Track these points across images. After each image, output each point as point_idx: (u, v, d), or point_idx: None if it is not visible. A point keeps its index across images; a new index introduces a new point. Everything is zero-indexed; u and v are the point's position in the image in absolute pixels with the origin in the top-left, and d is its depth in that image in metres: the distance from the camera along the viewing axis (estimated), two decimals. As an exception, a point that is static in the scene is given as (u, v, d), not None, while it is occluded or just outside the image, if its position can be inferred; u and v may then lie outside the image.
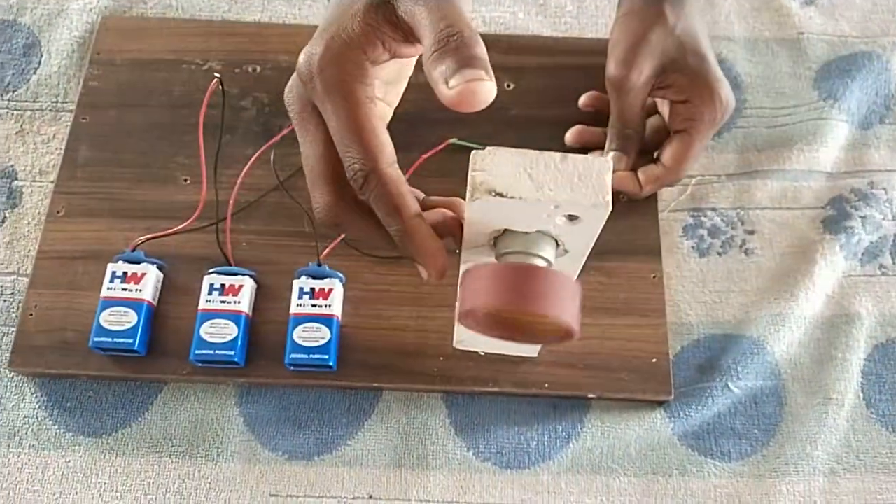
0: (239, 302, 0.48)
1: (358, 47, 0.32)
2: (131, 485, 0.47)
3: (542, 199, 0.29)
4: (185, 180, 0.54)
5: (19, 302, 0.51)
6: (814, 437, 0.49)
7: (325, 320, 0.48)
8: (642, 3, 0.50)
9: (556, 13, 0.63)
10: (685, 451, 0.49)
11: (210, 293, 0.49)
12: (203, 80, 0.57)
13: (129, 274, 0.49)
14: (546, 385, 0.49)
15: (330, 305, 0.48)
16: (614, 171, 0.51)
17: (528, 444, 0.49)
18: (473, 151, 0.31)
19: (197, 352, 0.47)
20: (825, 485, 0.48)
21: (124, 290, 0.49)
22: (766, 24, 0.62)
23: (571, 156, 0.30)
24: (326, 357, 0.47)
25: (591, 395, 0.49)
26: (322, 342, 0.47)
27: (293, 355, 0.47)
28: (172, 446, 0.48)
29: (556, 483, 0.48)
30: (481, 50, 0.30)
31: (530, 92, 0.58)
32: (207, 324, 0.48)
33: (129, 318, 0.48)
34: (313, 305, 0.48)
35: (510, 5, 0.63)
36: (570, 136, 0.54)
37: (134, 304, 0.48)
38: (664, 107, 0.53)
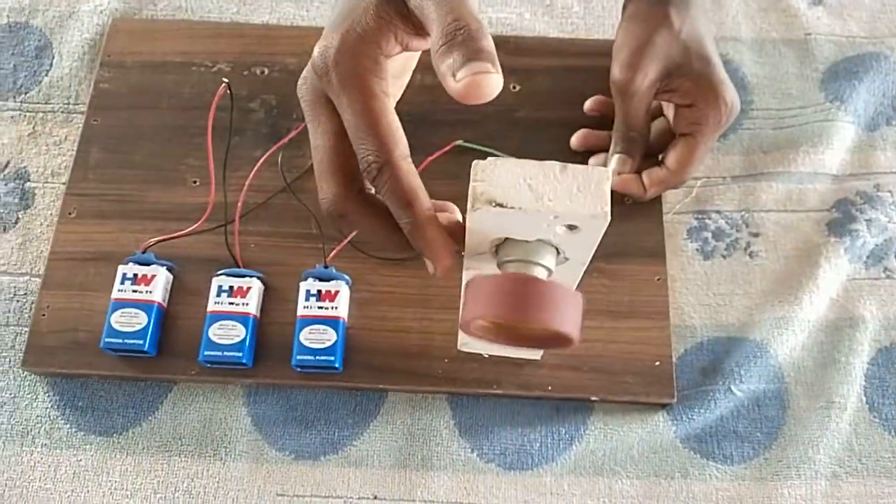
0: (247, 304, 0.49)
1: (373, 41, 0.32)
2: (141, 483, 0.48)
3: (541, 209, 0.30)
4: (195, 182, 0.55)
5: (32, 302, 0.52)
6: (816, 441, 0.49)
7: (332, 322, 0.49)
8: (647, 7, 0.50)
9: (562, 14, 0.63)
10: (687, 453, 0.49)
11: (218, 295, 0.49)
12: (212, 83, 0.57)
13: (139, 276, 0.50)
14: (549, 387, 0.49)
15: (336, 307, 0.49)
16: (619, 174, 0.51)
17: (531, 446, 0.49)
18: (474, 162, 0.31)
19: (205, 353, 0.48)
20: (827, 488, 0.48)
21: (135, 291, 0.49)
22: (773, 25, 0.62)
23: (571, 166, 0.31)
24: (332, 359, 0.48)
25: (593, 398, 0.49)
26: (328, 344, 0.48)
27: (300, 357, 0.48)
28: (182, 445, 0.49)
29: (559, 484, 0.48)
30: (488, 42, 0.30)
31: (536, 93, 0.58)
32: (216, 325, 0.49)
33: (140, 320, 0.49)
34: (320, 307, 0.49)
35: (517, 6, 0.63)
36: (575, 140, 0.55)
37: (144, 306, 0.49)
38: (669, 109, 0.53)
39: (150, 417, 0.50)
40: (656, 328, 0.51)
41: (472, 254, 0.34)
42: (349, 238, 0.51)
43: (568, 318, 0.30)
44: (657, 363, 0.50)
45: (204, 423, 0.50)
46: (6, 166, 0.57)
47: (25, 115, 0.59)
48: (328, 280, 0.50)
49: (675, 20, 0.48)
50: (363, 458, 0.49)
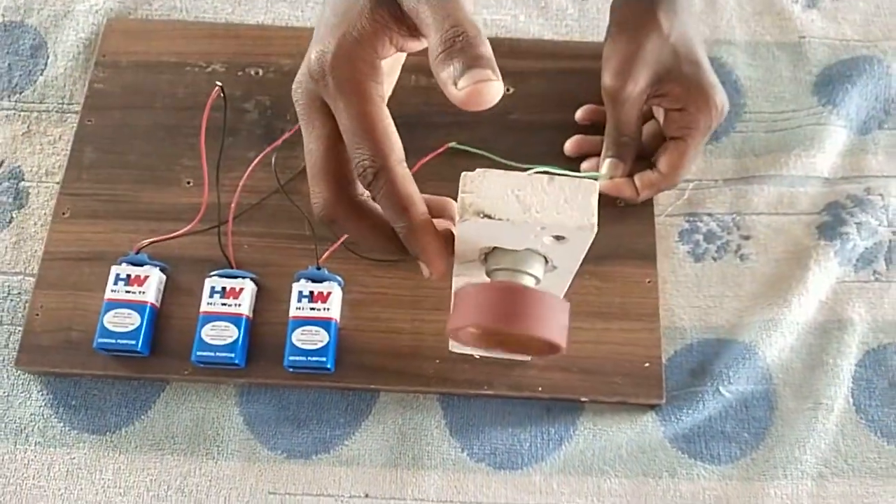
0: (239, 305, 0.50)
1: (369, 45, 0.32)
2: (134, 481, 0.49)
3: (528, 220, 0.30)
4: (189, 183, 0.55)
5: (26, 302, 0.53)
6: (803, 442, 0.50)
7: (324, 323, 0.49)
8: (636, 11, 0.50)
9: (557, 16, 0.63)
10: (675, 453, 0.50)
11: (211, 296, 0.50)
12: (206, 83, 0.58)
13: (132, 276, 0.50)
14: (540, 388, 0.49)
15: (328, 309, 0.49)
16: (611, 178, 0.52)
17: (521, 446, 0.50)
18: (463, 173, 0.31)
19: (198, 353, 0.48)
20: (813, 488, 0.49)
21: (128, 292, 0.50)
22: (767, 28, 0.62)
23: (558, 178, 0.31)
24: (324, 360, 0.48)
25: (583, 399, 0.50)
26: (320, 345, 0.48)
27: (292, 357, 0.48)
28: (174, 444, 0.50)
29: (549, 483, 0.49)
30: (487, 48, 0.30)
31: (531, 96, 0.58)
32: (208, 326, 0.49)
33: (133, 320, 0.49)
34: (312, 309, 0.49)
35: (511, 8, 0.63)
36: (569, 145, 0.55)
37: (137, 306, 0.49)
38: (660, 113, 0.53)
39: (142, 416, 0.50)
40: (646, 330, 0.51)
41: (462, 261, 0.35)
42: (342, 240, 0.51)
43: (555, 326, 0.30)
44: (647, 364, 0.50)
45: (196, 423, 0.50)
46: (0, 165, 0.57)
47: (20, 115, 0.59)
48: (321, 281, 0.50)
49: (664, 24, 0.49)
50: (355, 457, 0.49)
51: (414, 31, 0.33)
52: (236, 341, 0.49)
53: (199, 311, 0.49)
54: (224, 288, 0.50)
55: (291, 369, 0.49)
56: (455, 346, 0.49)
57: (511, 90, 0.58)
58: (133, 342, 0.49)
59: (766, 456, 0.49)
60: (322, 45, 0.32)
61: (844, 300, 0.53)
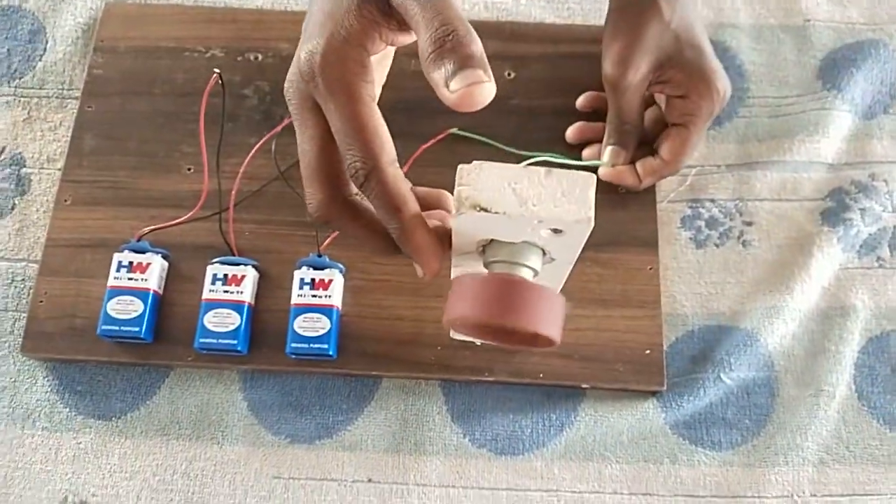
0: (241, 292, 0.50)
1: (359, 43, 0.32)
2: (140, 466, 0.49)
3: (525, 214, 0.30)
4: (189, 169, 0.55)
5: (30, 288, 0.53)
6: (804, 428, 0.50)
7: (326, 310, 0.49)
8: None
9: (559, -1, 0.62)
10: (676, 439, 0.50)
11: (213, 283, 0.50)
12: (205, 69, 0.57)
13: (134, 263, 0.50)
14: (541, 375, 0.50)
15: (330, 296, 0.49)
16: (613, 166, 0.51)
17: (522, 432, 0.50)
18: (459, 166, 0.31)
19: (201, 340, 0.49)
20: (814, 475, 0.49)
21: (130, 279, 0.50)
22: (771, 11, 0.61)
23: (556, 171, 0.31)
24: (326, 347, 0.48)
25: (584, 386, 0.50)
26: (322, 332, 0.49)
27: (294, 345, 0.48)
28: (179, 429, 0.50)
29: (549, 469, 0.49)
30: (478, 47, 0.30)
31: (532, 81, 0.58)
32: (211, 313, 0.49)
33: (136, 307, 0.49)
34: (314, 296, 0.49)
35: (513, -10, 0.63)
36: (570, 133, 0.54)
37: (140, 294, 0.50)
38: (661, 98, 0.53)
39: (147, 402, 0.51)
40: (647, 317, 0.51)
41: (459, 253, 0.35)
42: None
43: (549, 320, 0.30)
44: (648, 351, 0.50)
45: (201, 408, 0.51)
46: (2, 152, 0.57)
47: (20, 101, 0.59)
48: (322, 268, 0.50)
49: (665, 9, 0.48)
50: (357, 442, 0.50)
51: (403, 26, 0.32)
52: (238, 328, 0.49)
53: (201, 298, 0.50)
54: (226, 275, 0.50)
55: (293, 356, 0.49)
56: (455, 334, 0.50)
57: (512, 75, 0.58)
58: (136, 329, 0.49)
59: (767, 442, 0.50)
60: (311, 44, 0.32)
61: (847, 287, 0.53)
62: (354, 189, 0.34)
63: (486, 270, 0.34)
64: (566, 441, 0.50)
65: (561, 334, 0.32)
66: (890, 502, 0.48)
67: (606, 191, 0.53)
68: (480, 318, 0.30)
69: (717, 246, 0.55)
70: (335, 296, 0.50)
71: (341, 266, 0.51)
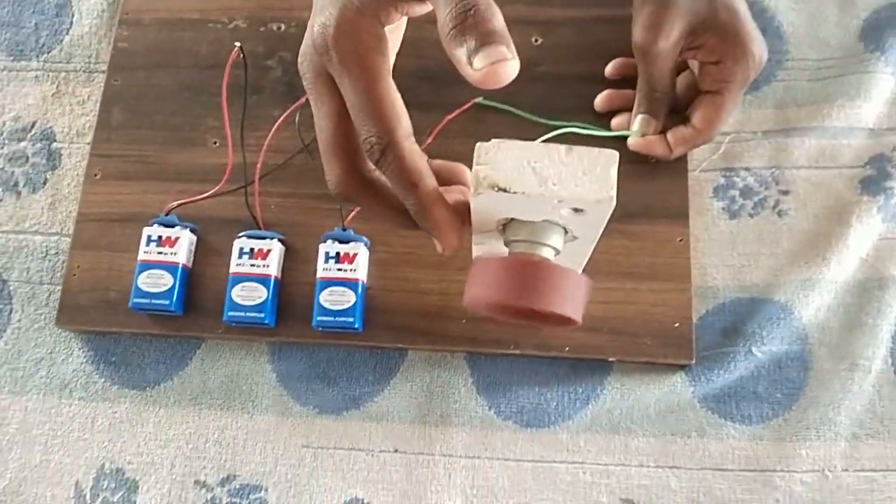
0: (267, 265, 0.50)
1: (373, 14, 0.31)
2: (174, 434, 0.51)
3: (545, 194, 0.29)
4: (215, 143, 0.55)
5: (63, 261, 0.54)
6: (837, 403, 0.49)
7: (351, 284, 0.49)
8: None
9: (589, -41, 0.60)
10: (705, 413, 0.49)
11: (240, 257, 0.50)
12: (229, 40, 0.57)
13: (163, 238, 0.51)
14: (567, 348, 0.49)
15: (355, 269, 0.49)
16: (643, 135, 0.50)
17: (547, 405, 0.50)
18: (478, 144, 0.30)
19: (229, 313, 0.49)
20: (846, 449, 0.48)
21: (160, 253, 0.51)
22: (813, -32, 0.58)
23: (577, 148, 0.30)
24: (352, 320, 0.49)
25: (611, 359, 0.50)
26: (347, 305, 0.49)
27: (319, 318, 0.49)
28: (211, 399, 0.51)
29: (575, 442, 0.49)
30: (500, 21, 0.29)
31: (559, 46, 0.56)
32: (238, 287, 0.50)
33: (166, 281, 0.50)
34: (339, 269, 0.49)
35: (541, -49, 0.60)
36: (599, 101, 0.53)
37: (169, 267, 0.50)
38: (695, 64, 0.51)
39: (180, 372, 0.52)
40: (677, 290, 0.50)
41: (479, 231, 0.34)
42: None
43: (570, 301, 0.30)
44: (676, 325, 0.49)
45: (231, 378, 0.52)
46: (32, 127, 0.58)
47: (49, 75, 0.59)
48: (347, 242, 0.50)
49: None
50: (384, 413, 0.50)
51: None
52: (265, 301, 0.49)
53: (228, 272, 0.50)
54: (252, 249, 0.50)
55: (320, 329, 0.50)
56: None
57: (539, 41, 0.56)
58: (167, 302, 0.50)
59: (798, 417, 0.49)
60: (324, 16, 0.31)
61: (886, 258, 0.51)
62: (373, 165, 0.33)
63: (506, 249, 0.34)
64: (592, 414, 0.50)
65: (582, 314, 0.31)
66: (925, 478, 0.47)
67: (636, 161, 0.52)
68: (500, 299, 0.30)
69: (751, 216, 0.53)
70: (360, 269, 0.50)
71: (366, 240, 0.51)
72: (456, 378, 0.51)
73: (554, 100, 0.55)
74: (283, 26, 0.57)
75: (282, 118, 0.54)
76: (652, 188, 0.52)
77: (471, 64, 0.28)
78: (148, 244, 0.51)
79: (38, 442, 0.51)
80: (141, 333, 0.52)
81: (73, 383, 0.52)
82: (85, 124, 0.58)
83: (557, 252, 0.33)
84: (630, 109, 0.51)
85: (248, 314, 0.49)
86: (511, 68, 0.28)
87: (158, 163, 0.55)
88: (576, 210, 0.31)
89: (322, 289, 0.49)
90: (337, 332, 0.50)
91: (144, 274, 0.50)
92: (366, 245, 0.51)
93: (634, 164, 0.52)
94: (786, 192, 0.53)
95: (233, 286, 0.50)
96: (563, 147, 0.30)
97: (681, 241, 0.51)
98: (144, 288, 0.50)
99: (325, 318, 0.49)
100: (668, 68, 0.48)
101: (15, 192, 0.56)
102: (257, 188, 0.53)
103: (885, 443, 0.48)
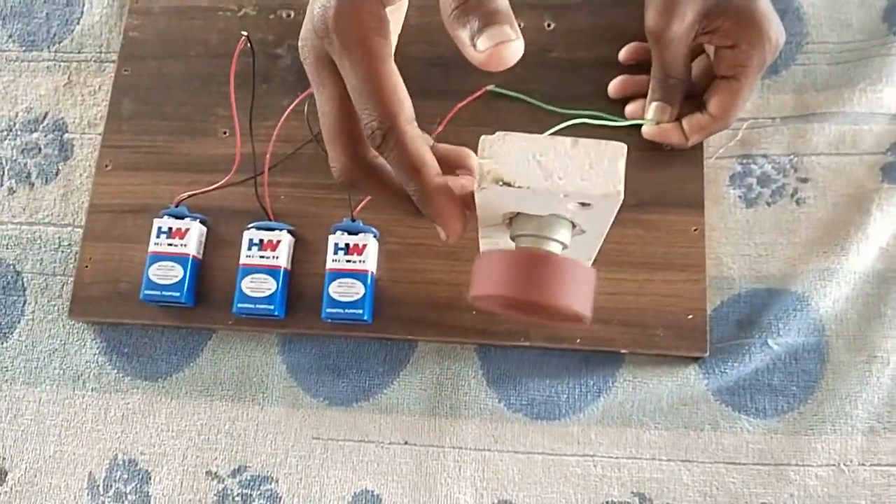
0: (277, 257, 0.50)
1: None
2: (186, 425, 0.51)
3: (551, 188, 0.29)
4: (225, 133, 0.55)
5: (76, 253, 0.54)
6: (855, 396, 0.48)
7: (360, 276, 0.49)
8: None
9: (603, -59, 0.59)
10: (719, 406, 0.49)
11: (249, 248, 0.50)
12: (238, 28, 0.56)
13: (173, 229, 0.51)
14: (578, 340, 0.49)
15: (364, 261, 0.49)
16: (658, 123, 0.49)
17: (558, 397, 0.49)
18: (482, 137, 0.30)
19: (239, 305, 0.49)
20: (863, 443, 0.47)
21: (170, 244, 0.51)
22: (836, -53, 0.56)
23: (583, 141, 0.29)
24: (361, 312, 0.48)
25: (623, 351, 0.49)
26: (357, 297, 0.49)
27: (329, 310, 0.49)
28: (222, 390, 0.51)
29: (586, 434, 0.49)
30: (503, 0, 0.28)
31: (572, 31, 0.55)
32: (248, 278, 0.50)
33: (176, 273, 0.50)
34: (348, 261, 0.49)
35: (554, -67, 0.59)
36: (612, 87, 0.52)
37: (180, 259, 0.50)
38: (710, 48, 0.50)
39: (191, 363, 0.52)
40: (691, 281, 0.49)
41: (486, 225, 0.34)
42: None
43: (577, 296, 0.29)
44: (690, 316, 0.49)
45: (242, 370, 0.52)
46: (45, 118, 0.58)
47: (60, 66, 0.59)
48: (356, 233, 0.50)
49: None
50: (394, 405, 0.50)
51: None
52: (275, 293, 0.49)
53: (238, 263, 0.50)
54: (261, 240, 0.50)
55: (329, 321, 0.49)
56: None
57: (552, 25, 0.55)
58: (177, 294, 0.50)
59: (814, 410, 0.48)
60: None
61: (908, 247, 0.50)
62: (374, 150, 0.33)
63: (513, 243, 0.33)
64: (603, 406, 0.49)
65: (591, 309, 0.31)
66: (945, 473, 0.46)
67: (650, 149, 0.51)
68: (506, 294, 0.29)
69: (768, 204, 0.52)
70: (369, 261, 0.49)
71: (375, 231, 0.50)
72: (466, 370, 0.50)
73: (567, 86, 0.54)
74: (292, 13, 0.57)
75: (291, 107, 0.53)
76: (666, 176, 0.51)
77: (474, 45, 0.28)
78: (158, 236, 0.51)
79: (51, 433, 0.51)
80: (152, 325, 0.52)
81: (87, 374, 0.52)
82: (96, 114, 0.58)
83: (565, 246, 0.32)
84: (645, 96, 0.50)
85: (257, 306, 0.49)
86: (516, 49, 0.28)
87: (169, 153, 0.55)
88: (582, 204, 0.30)
89: (331, 280, 0.49)
90: (346, 324, 0.50)
91: (155, 266, 0.50)
92: (375, 236, 0.50)
93: (649, 152, 0.51)
94: (804, 180, 0.52)
95: (242, 278, 0.50)
96: (568, 140, 0.29)
97: (695, 230, 0.50)
98: (155, 280, 0.50)
99: (334, 310, 0.49)
100: (683, 53, 0.47)
101: (28, 183, 0.57)
102: (266, 179, 0.52)
103: (904, 437, 0.47)
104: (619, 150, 0.29)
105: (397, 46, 0.54)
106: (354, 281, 0.49)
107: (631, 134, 0.51)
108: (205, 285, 0.52)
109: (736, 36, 0.46)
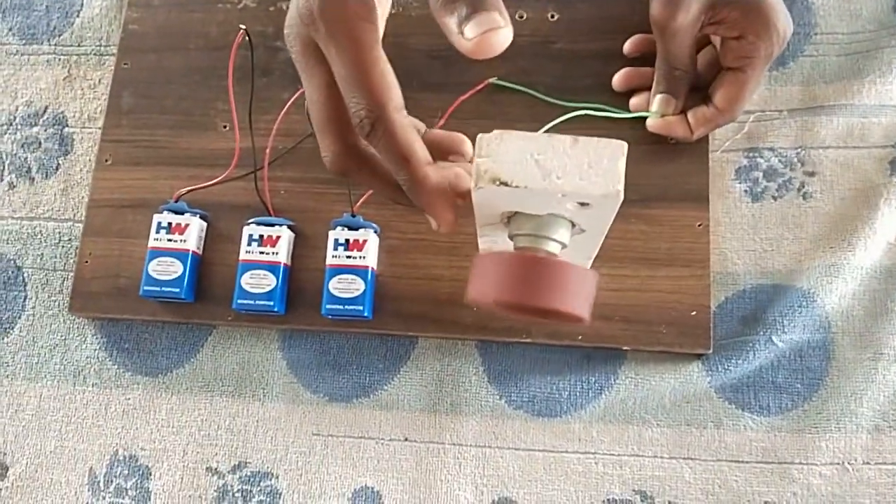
0: (277, 253, 0.50)
1: None
2: (186, 421, 0.51)
3: (549, 188, 0.28)
4: (225, 127, 0.54)
5: (76, 248, 0.54)
6: (860, 393, 0.47)
7: (360, 272, 0.49)
8: None
9: (608, -70, 0.58)
10: (721, 403, 0.48)
11: (249, 244, 0.50)
12: (238, 21, 0.56)
13: (173, 224, 0.50)
14: (580, 337, 0.48)
15: (364, 257, 0.49)
16: (662, 116, 0.48)
17: (559, 394, 0.49)
18: (480, 136, 0.29)
19: (239, 301, 0.49)
20: (868, 442, 0.47)
21: (170, 240, 0.50)
22: (846, -65, 0.55)
23: (583, 139, 0.28)
24: (361, 308, 0.48)
25: (625, 348, 0.48)
26: (357, 293, 0.48)
27: (329, 306, 0.48)
28: (223, 386, 0.51)
29: (588, 431, 0.48)
30: None
31: (576, 22, 0.54)
32: (248, 274, 0.49)
33: (176, 268, 0.50)
34: (348, 257, 0.49)
35: (558, -77, 0.58)
36: (617, 80, 0.51)
37: (179, 255, 0.50)
38: (716, 39, 0.49)
39: (192, 359, 0.52)
40: (695, 276, 0.49)
41: (483, 224, 0.33)
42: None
43: (578, 298, 0.29)
44: (694, 313, 0.48)
45: (242, 366, 0.52)
46: (45, 112, 0.58)
47: (60, 59, 0.59)
48: (356, 229, 0.49)
49: None
50: (394, 401, 0.50)
51: None
52: (275, 289, 0.49)
53: (238, 259, 0.50)
54: (261, 236, 0.50)
55: (330, 317, 0.49)
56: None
57: (556, 16, 0.54)
58: (177, 290, 0.50)
59: (818, 408, 0.47)
60: None
61: (917, 243, 0.49)
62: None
63: (512, 242, 0.33)
64: (605, 403, 0.49)
65: (590, 311, 0.30)
66: (952, 473, 0.46)
67: (654, 142, 0.50)
68: (504, 297, 0.29)
69: (774, 199, 0.51)
70: (370, 256, 0.49)
71: (376, 226, 0.50)
72: (467, 366, 0.50)
73: (570, 78, 0.53)
74: (291, 6, 0.56)
75: (291, 100, 0.53)
76: (671, 170, 0.50)
77: (462, 33, 0.27)
78: (158, 231, 0.51)
79: (52, 428, 0.51)
80: (152, 321, 0.52)
81: (87, 370, 0.52)
82: (96, 108, 0.57)
83: (564, 246, 0.31)
84: (649, 88, 0.50)
85: (257, 302, 0.49)
86: (504, 37, 0.27)
87: (169, 147, 0.54)
88: (582, 204, 0.29)
89: (331, 276, 0.49)
90: (347, 320, 0.50)
91: (155, 261, 0.50)
92: (375, 232, 0.50)
93: (653, 146, 0.51)
94: (812, 174, 0.51)
95: (242, 274, 0.49)
96: (568, 138, 0.28)
97: (700, 225, 0.49)
98: (155, 275, 0.50)
99: (334, 307, 0.48)
100: (688, 45, 0.46)
101: (28, 177, 0.56)
102: (266, 173, 0.52)
103: (911, 435, 0.47)
104: (619, 148, 0.28)
105: (399, 38, 0.54)
106: (355, 277, 0.48)
107: (635, 127, 0.50)
108: (204, 281, 0.51)
109: (742, 27, 0.45)
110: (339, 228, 0.50)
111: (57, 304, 0.53)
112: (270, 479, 0.49)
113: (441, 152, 0.35)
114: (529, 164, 0.28)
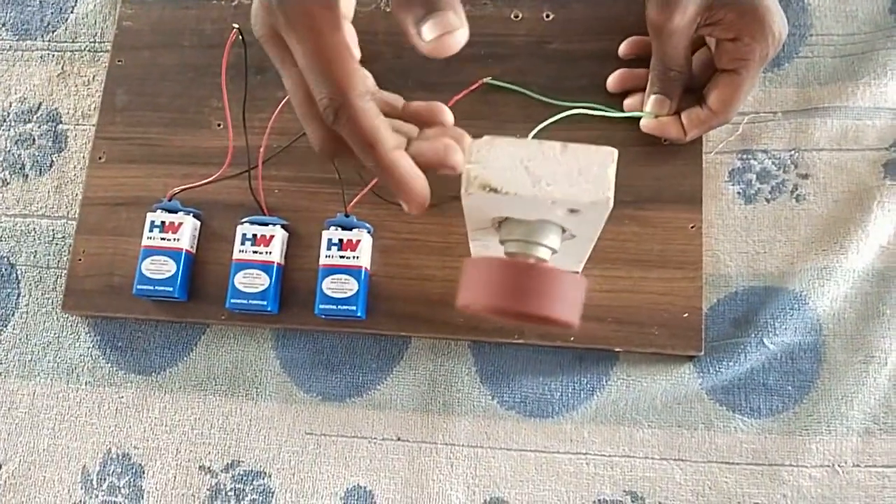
0: (270, 252, 0.50)
1: None
2: (179, 420, 0.51)
3: (539, 195, 0.28)
4: (219, 125, 0.54)
5: (70, 246, 0.54)
6: (851, 396, 0.47)
7: (354, 272, 0.49)
8: None
9: (604, -71, 0.57)
10: (713, 405, 0.48)
11: (243, 243, 0.50)
12: (232, 18, 0.56)
13: (167, 223, 0.50)
14: (572, 338, 0.48)
15: (358, 257, 0.49)
16: (656, 116, 0.48)
17: (551, 395, 0.49)
18: (471, 142, 0.29)
19: (232, 301, 0.49)
20: (858, 445, 0.47)
21: (163, 239, 0.50)
22: (842, -64, 0.55)
23: (573, 146, 0.28)
24: (354, 308, 0.48)
25: (617, 349, 0.49)
26: (350, 294, 0.48)
27: (322, 306, 0.48)
28: (216, 385, 0.51)
29: (579, 432, 0.49)
30: None
31: (571, 22, 0.54)
32: (241, 274, 0.49)
33: (169, 267, 0.50)
34: (341, 257, 0.49)
35: (554, -79, 0.58)
36: (612, 81, 0.51)
37: (173, 253, 0.50)
38: (711, 40, 0.49)
39: (185, 358, 0.52)
40: (687, 278, 0.49)
41: (474, 228, 0.33)
42: (370, 185, 0.50)
43: (566, 304, 0.29)
44: (686, 315, 0.48)
45: (235, 365, 0.52)
46: (38, 108, 0.57)
47: (54, 55, 0.58)
48: (350, 229, 0.49)
49: None
50: (387, 401, 0.50)
51: None
52: (268, 289, 0.49)
53: (231, 258, 0.50)
54: (255, 235, 0.50)
55: (323, 317, 0.49)
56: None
57: (551, 16, 0.54)
58: (170, 289, 0.50)
59: (809, 410, 0.48)
60: None
61: (909, 246, 0.49)
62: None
63: (502, 246, 0.33)
64: (597, 405, 0.49)
65: (579, 316, 0.30)
66: (940, 475, 0.46)
67: (648, 143, 0.50)
68: (494, 303, 0.29)
69: (767, 201, 0.51)
70: (363, 256, 0.49)
71: (369, 226, 0.50)
72: (459, 367, 0.50)
73: (565, 79, 0.53)
74: (285, 4, 0.56)
75: (285, 99, 0.53)
76: (664, 172, 0.50)
77: (419, 34, 0.27)
78: (151, 230, 0.50)
79: (45, 426, 0.51)
80: (146, 319, 0.52)
81: (80, 368, 0.52)
82: (90, 105, 0.57)
83: (554, 251, 0.32)
84: (644, 90, 0.50)
85: (250, 301, 0.49)
86: (460, 37, 0.28)
87: (162, 145, 0.54)
88: (571, 210, 0.29)
89: (325, 276, 0.49)
90: (340, 320, 0.50)
91: (148, 260, 0.50)
92: (369, 232, 0.50)
93: (646, 147, 0.51)
94: (805, 176, 0.51)
95: (235, 273, 0.49)
96: (558, 144, 0.28)
97: (693, 227, 0.49)
98: (148, 274, 0.50)
99: (327, 307, 0.48)
100: (684, 46, 0.46)
101: (22, 174, 0.56)
102: (260, 172, 0.52)
103: (901, 438, 0.47)
104: (608, 155, 0.28)
105: (394, 37, 0.53)
106: (348, 277, 0.49)
107: (629, 128, 0.50)
108: (198, 280, 0.51)
109: (738, 28, 0.45)
110: (332, 228, 0.50)
111: (50, 301, 0.53)
112: (263, 478, 0.49)
113: (421, 122, 0.35)
114: (519, 170, 0.28)
